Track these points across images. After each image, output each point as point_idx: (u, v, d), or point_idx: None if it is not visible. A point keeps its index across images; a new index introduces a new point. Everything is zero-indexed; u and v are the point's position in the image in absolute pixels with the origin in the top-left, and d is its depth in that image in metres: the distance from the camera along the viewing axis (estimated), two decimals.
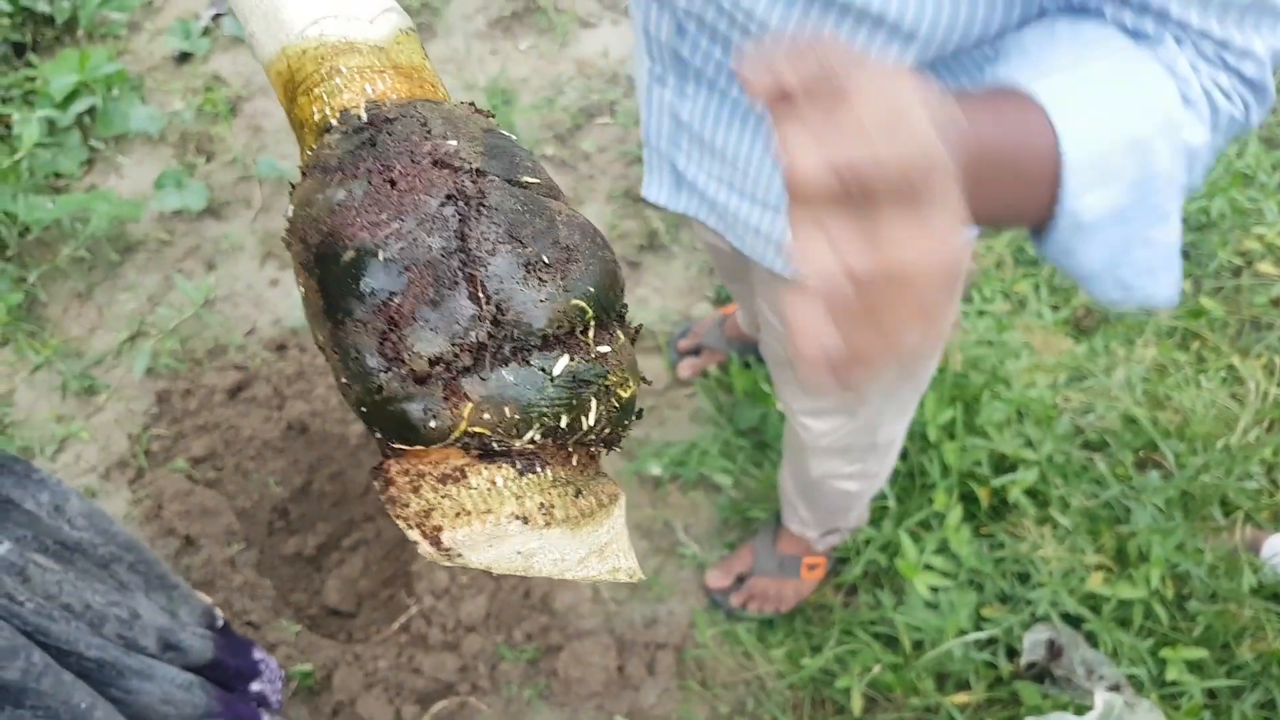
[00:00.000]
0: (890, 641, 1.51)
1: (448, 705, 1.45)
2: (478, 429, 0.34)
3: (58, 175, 2.01)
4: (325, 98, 0.40)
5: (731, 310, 1.78)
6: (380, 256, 0.35)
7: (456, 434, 0.35)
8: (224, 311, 1.85)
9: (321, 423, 1.68)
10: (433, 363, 0.34)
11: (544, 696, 1.47)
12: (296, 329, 1.82)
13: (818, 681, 1.48)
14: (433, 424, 0.35)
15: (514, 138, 0.41)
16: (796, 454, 1.31)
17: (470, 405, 0.34)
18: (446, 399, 0.34)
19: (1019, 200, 0.53)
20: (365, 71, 0.40)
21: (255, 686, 1.18)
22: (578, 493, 0.37)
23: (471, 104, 0.43)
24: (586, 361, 0.36)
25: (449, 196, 0.35)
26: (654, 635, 1.53)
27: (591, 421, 0.36)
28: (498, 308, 0.34)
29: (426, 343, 0.34)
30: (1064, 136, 0.51)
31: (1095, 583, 1.52)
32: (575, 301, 0.35)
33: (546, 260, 0.35)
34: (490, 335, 0.34)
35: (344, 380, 0.36)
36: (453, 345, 0.34)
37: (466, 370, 0.34)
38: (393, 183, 0.36)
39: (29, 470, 0.91)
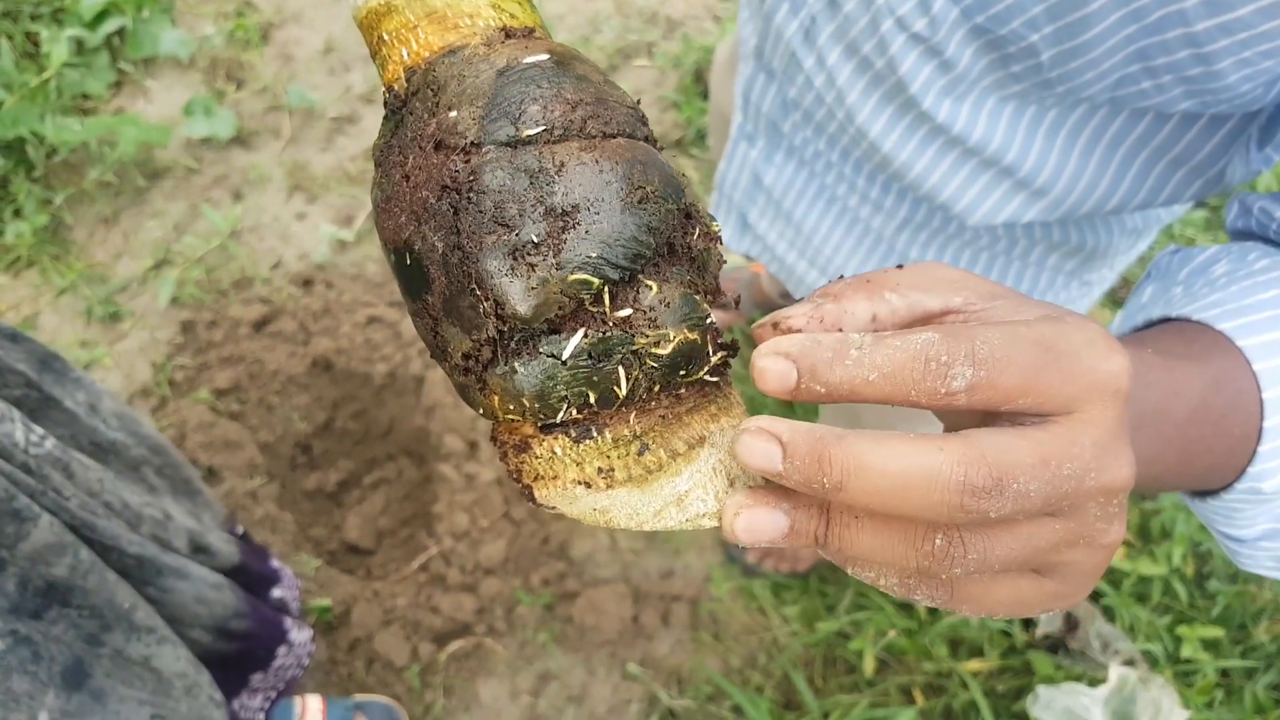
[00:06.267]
0: (905, 606, 1.51)
1: (464, 645, 1.47)
2: (510, 416, 0.35)
3: (85, 97, 1.99)
4: (380, 74, 0.38)
5: (761, 269, 1.76)
6: (408, 260, 0.35)
7: (502, 420, 0.36)
8: (250, 243, 1.84)
9: (346, 360, 1.68)
10: (465, 357, 0.35)
11: (559, 641, 1.48)
12: (323, 264, 1.81)
13: (830, 642, 1.49)
14: (480, 410, 0.36)
15: (534, 60, 0.36)
16: None
17: (496, 397, 0.35)
18: (480, 390, 0.35)
19: (1202, 471, 0.46)
20: (400, 33, 0.37)
21: (276, 593, 1.19)
22: (642, 450, 0.36)
23: (504, 20, 0.38)
24: (602, 334, 0.34)
25: (444, 188, 0.34)
26: (670, 587, 1.53)
27: (625, 390, 0.35)
28: (496, 303, 0.33)
29: (456, 340, 0.35)
30: (1270, 404, 0.44)
31: (1116, 557, 1.51)
32: (575, 277, 0.33)
33: (535, 239, 0.33)
34: (498, 330, 0.34)
35: None
36: (473, 341, 0.35)
37: (491, 362, 0.35)
38: (407, 177, 0.35)
39: (66, 368, 0.91)
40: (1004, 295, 0.36)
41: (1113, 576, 1.51)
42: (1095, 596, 1.50)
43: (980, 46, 0.60)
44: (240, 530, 1.17)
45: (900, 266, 0.38)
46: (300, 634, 1.11)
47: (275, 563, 1.20)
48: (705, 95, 2.00)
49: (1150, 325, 0.52)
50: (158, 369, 1.68)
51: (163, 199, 1.88)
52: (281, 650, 1.06)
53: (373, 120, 2.00)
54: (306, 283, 1.79)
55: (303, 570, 1.47)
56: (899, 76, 0.64)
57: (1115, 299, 1.84)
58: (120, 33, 2.02)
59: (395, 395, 1.67)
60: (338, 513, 1.60)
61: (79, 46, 1.99)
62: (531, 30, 0.38)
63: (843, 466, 0.31)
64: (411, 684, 1.42)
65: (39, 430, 0.75)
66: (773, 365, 0.32)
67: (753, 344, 0.38)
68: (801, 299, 0.38)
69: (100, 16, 1.99)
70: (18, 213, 1.82)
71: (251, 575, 1.08)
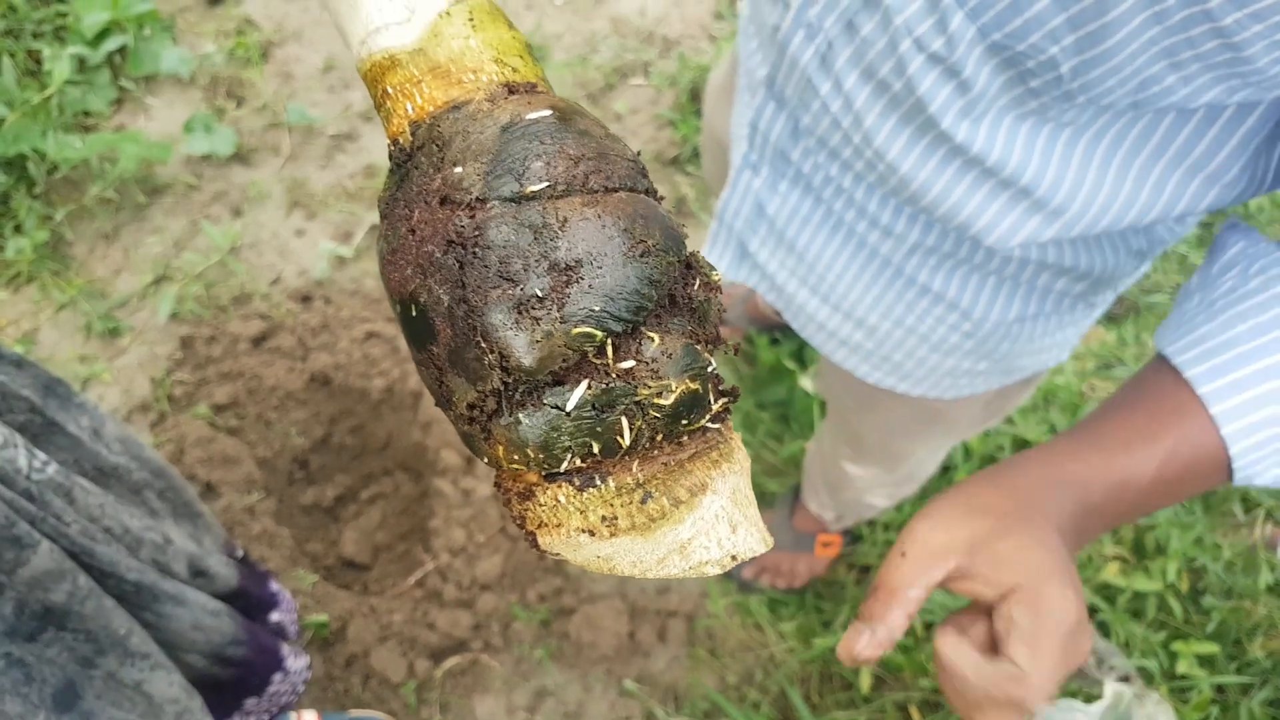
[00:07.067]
0: None
1: (460, 661, 1.47)
2: (515, 465, 0.36)
3: (87, 114, 2.00)
4: (384, 127, 0.39)
5: None
6: (413, 311, 0.36)
7: (506, 469, 0.37)
8: (249, 259, 1.85)
9: (344, 376, 1.69)
10: (470, 407, 0.36)
11: (555, 657, 1.48)
12: (321, 281, 1.82)
13: (827, 658, 1.49)
14: (485, 459, 0.37)
15: (537, 116, 0.37)
16: (832, 463, 1.30)
17: (501, 446, 0.36)
18: (485, 440, 0.36)
19: (1184, 497, 0.59)
20: (405, 87, 0.38)
21: (274, 617, 1.19)
22: (645, 498, 0.36)
23: (507, 75, 0.39)
24: (605, 386, 0.35)
25: (449, 242, 0.35)
26: (666, 603, 1.54)
27: (628, 440, 0.35)
28: (501, 355, 0.34)
29: (461, 390, 0.36)
30: (1230, 438, 0.55)
31: (1111, 573, 1.51)
32: (578, 330, 0.34)
33: (539, 293, 0.34)
34: (503, 381, 0.35)
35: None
36: (478, 392, 0.35)
37: (495, 413, 0.35)
38: (413, 231, 0.36)
39: (70, 393, 0.91)
40: (979, 546, 0.57)
41: (1108, 593, 1.52)
42: (1090, 612, 1.51)
43: (997, 65, 0.60)
44: (240, 553, 1.17)
45: (903, 554, 0.57)
46: (297, 661, 1.11)
47: (274, 586, 1.20)
48: (700, 114, 2.02)
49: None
50: (157, 384, 1.69)
51: (163, 215, 1.89)
52: (277, 677, 1.06)
53: (371, 138, 2.02)
54: (305, 299, 1.80)
55: (299, 586, 1.48)
56: (918, 97, 0.64)
57: (1110, 316, 1.85)
58: (122, 51, 2.04)
59: (392, 410, 1.68)
60: (334, 528, 1.61)
61: (81, 64, 2.00)
62: (534, 85, 0.39)
63: None
64: (408, 700, 1.43)
65: (42, 456, 0.76)
66: None
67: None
68: (858, 623, 0.59)
69: (102, 35, 2.01)
70: (18, 229, 1.83)
71: (250, 599, 1.09)
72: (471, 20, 0.39)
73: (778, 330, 1.75)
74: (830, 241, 0.84)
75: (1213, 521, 1.59)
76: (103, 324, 1.74)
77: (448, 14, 0.38)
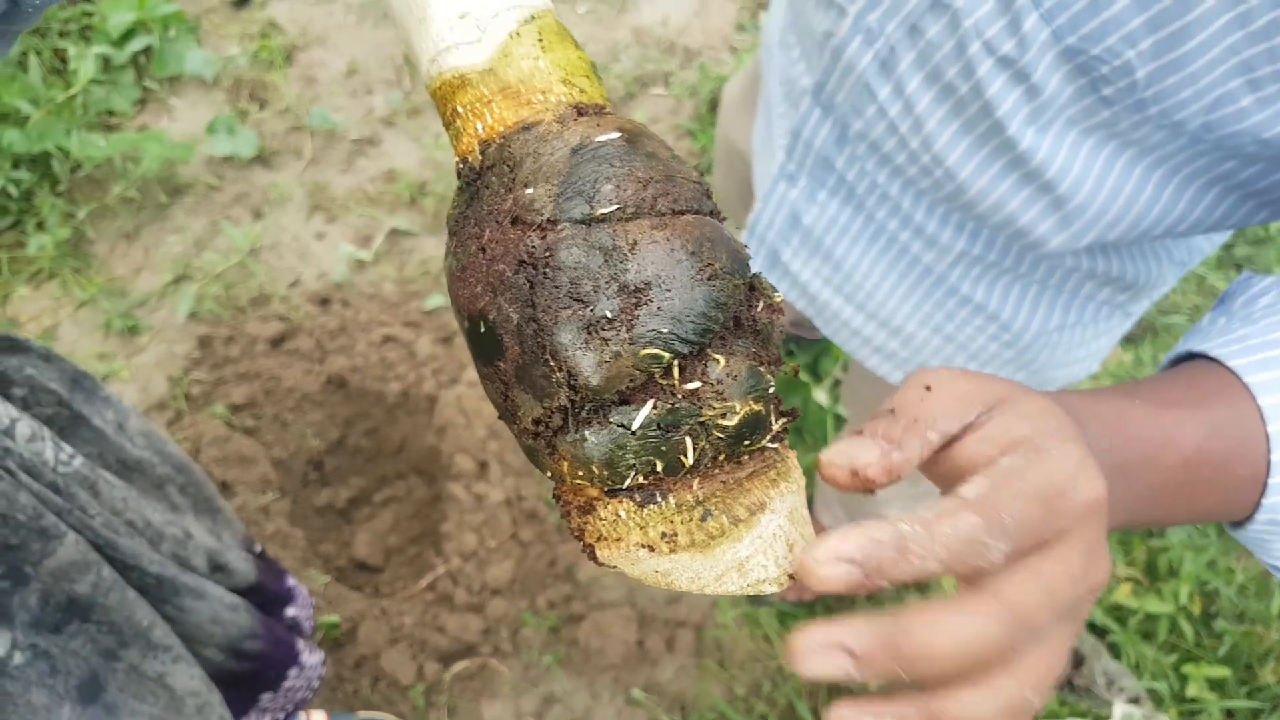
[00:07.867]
0: None
1: (469, 665, 1.47)
2: (578, 480, 0.36)
3: (110, 113, 2.02)
4: (453, 145, 0.39)
5: None
6: (481, 328, 0.36)
7: (568, 483, 0.37)
8: (269, 261, 1.86)
9: (361, 379, 1.70)
10: (535, 422, 0.36)
11: (563, 664, 1.49)
12: (340, 284, 1.83)
13: None
14: (547, 473, 0.37)
15: (606, 139, 0.37)
16: None
17: (565, 462, 0.36)
18: (549, 455, 0.37)
19: (1212, 506, 0.50)
20: (475, 106, 0.38)
21: (290, 612, 1.20)
22: (705, 516, 0.37)
23: (575, 96, 0.39)
24: (671, 406, 0.35)
25: (520, 262, 0.35)
26: (675, 612, 1.54)
27: (691, 460, 0.36)
28: (569, 374, 0.35)
29: (527, 406, 0.36)
30: (1275, 438, 0.47)
31: (1123, 594, 1.51)
32: (646, 351, 0.34)
33: (609, 315, 0.34)
34: (570, 399, 0.35)
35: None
36: (544, 409, 0.36)
37: (561, 429, 0.36)
38: (483, 250, 0.37)
39: (96, 387, 0.92)
40: (1001, 399, 0.41)
41: (1119, 614, 1.51)
42: (1101, 633, 1.50)
43: (1069, 71, 0.58)
44: (258, 548, 1.18)
45: (928, 388, 0.42)
46: (312, 657, 1.12)
47: (291, 581, 1.21)
48: None
49: (1187, 357, 0.54)
50: (174, 383, 1.70)
51: (184, 215, 1.91)
52: (293, 672, 1.07)
53: (393, 143, 2.03)
54: (324, 301, 1.82)
55: (312, 586, 1.48)
56: (985, 100, 0.63)
57: (1128, 337, 1.84)
58: (147, 51, 2.06)
59: (408, 414, 1.69)
60: (347, 529, 1.62)
61: (106, 64, 2.03)
62: (601, 107, 0.39)
63: (911, 658, 0.34)
64: (416, 703, 1.43)
65: (68, 449, 0.77)
66: (837, 572, 0.35)
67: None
68: (864, 435, 0.40)
69: (127, 35, 2.03)
70: (41, 226, 1.85)
71: (267, 594, 1.10)
72: (541, 41, 0.39)
73: (792, 342, 1.75)
74: (869, 250, 0.84)
75: (1226, 544, 1.58)
76: (122, 322, 1.75)
77: (518, 34, 0.38)
